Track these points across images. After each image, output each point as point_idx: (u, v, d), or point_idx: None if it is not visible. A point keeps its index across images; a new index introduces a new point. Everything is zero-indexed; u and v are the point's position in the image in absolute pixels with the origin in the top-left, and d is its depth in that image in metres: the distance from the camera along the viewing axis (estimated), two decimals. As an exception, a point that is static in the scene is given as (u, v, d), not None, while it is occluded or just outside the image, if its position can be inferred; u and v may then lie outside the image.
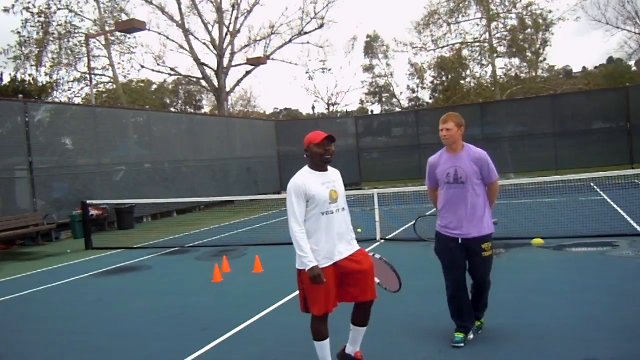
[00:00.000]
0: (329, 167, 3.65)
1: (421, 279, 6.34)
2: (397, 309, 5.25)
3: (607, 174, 10.34)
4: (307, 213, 3.47)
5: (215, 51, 26.71)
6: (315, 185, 3.46)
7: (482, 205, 4.05)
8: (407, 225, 10.61)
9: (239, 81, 29.08)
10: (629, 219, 9.64)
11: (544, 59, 31.31)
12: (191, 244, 10.83)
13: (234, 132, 22.31)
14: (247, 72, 28.34)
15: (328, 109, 42.51)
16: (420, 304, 5.34)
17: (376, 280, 3.73)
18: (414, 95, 41.64)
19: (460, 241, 4.04)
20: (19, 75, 24.18)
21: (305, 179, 3.48)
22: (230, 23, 26.97)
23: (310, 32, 28.84)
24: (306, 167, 3.59)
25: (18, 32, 24.01)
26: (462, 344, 4.01)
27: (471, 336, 4.13)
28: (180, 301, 6.23)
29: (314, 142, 3.51)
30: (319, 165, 3.55)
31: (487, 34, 28.46)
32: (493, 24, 28.13)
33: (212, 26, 26.84)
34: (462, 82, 34.43)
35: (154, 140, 18.23)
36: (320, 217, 3.45)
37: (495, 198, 4.21)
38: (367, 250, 3.81)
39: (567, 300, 5.13)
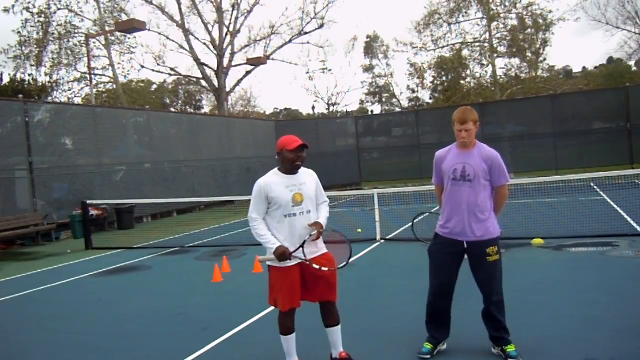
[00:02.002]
0: (302, 169, 3.74)
1: (421, 278, 6.31)
2: (396, 309, 5.25)
3: (607, 174, 10.33)
4: (271, 213, 3.63)
5: (215, 51, 26.72)
6: (279, 188, 3.59)
7: (488, 209, 3.78)
8: (407, 225, 10.61)
9: (239, 81, 29.13)
10: (629, 219, 9.64)
11: (544, 59, 31.37)
12: (191, 244, 10.83)
13: (234, 132, 22.31)
14: (247, 72, 28.37)
15: (328, 109, 42.56)
16: (420, 304, 5.32)
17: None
18: (414, 95, 41.69)
19: (465, 245, 3.77)
20: (18, 75, 24.22)
21: (269, 180, 3.64)
22: (230, 23, 27.01)
23: (310, 32, 28.91)
24: (275, 169, 3.73)
25: (18, 32, 24.05)
26: (428, 356, 3.85)
27: (444, 346, 3.98)
28: (180, 301, 6.23)
29: (287, 148, 3.59)
30: (289, 169, 3.65)
31: (487, 34, 28.45)
32: (493, 24, 28.13)
33: (212, 26, 26.87)
34: (462, 82, 34.42)
35: (154, 140, 18.24)
36: (283, 218, 3.59)
37: (504, 204, 3.91)
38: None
39: (567, 300, 5.13)
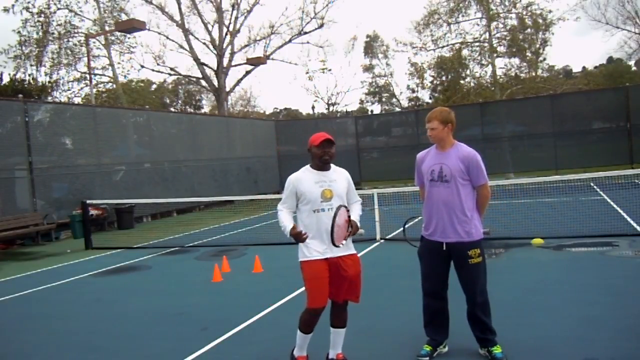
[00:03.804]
0: (335, 167, 3.80)
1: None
2: (396, 309, 5.26)
3: (607, 174, 10.33)
4: (302, 208, 3.70)
5: (215, 51, 26.70)
6: (308, 183, 3.65)
7: (470, 209, 3.75)
8: (407, 225, 10.61)
9: (239, 81, 29.10)
10: (629, 219, 9.64)
11: (544, 59, 31.27)
12: (191, 244, 10.83)
13: (234, 132, 22.32)
14: (247, 72, 28.35)
15: (328, 109, 42.54)
16: (420, 303, 5.33)
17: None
18: (414, 95, 41.64)
19: (444, 247, 3.77)
20: (19, 75, 24.20)
21: (300, 176, 3.72)
22: (230, 23, 26.99)
23: (310, 32, 28.85)
24: (307, 166, 3.79)
25: (18, 32, 24.04)
26: (426, 358, 3.83)
27: (445, 349, 3.96)
28: (180, 301, 6.23)
29: (314, 145, 3.67)
30: (319, 165, 3.70)
31: (487, 34, 28.43)
32: (493, 24, 28.10)
33: (212, 26, 26.85)
34: (462, 82, 34.39)
35: (154, 140, 18.24)
36: (312, 214, 3.64)
37: (486, 205, 3.87)
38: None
39: (567, 300, 5.13)
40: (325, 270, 3.59)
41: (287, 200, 3.71)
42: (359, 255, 3.84)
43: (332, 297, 3.70)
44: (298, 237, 3.56)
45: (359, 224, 3.70)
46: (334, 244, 3.49)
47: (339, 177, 3.75)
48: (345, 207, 3.63)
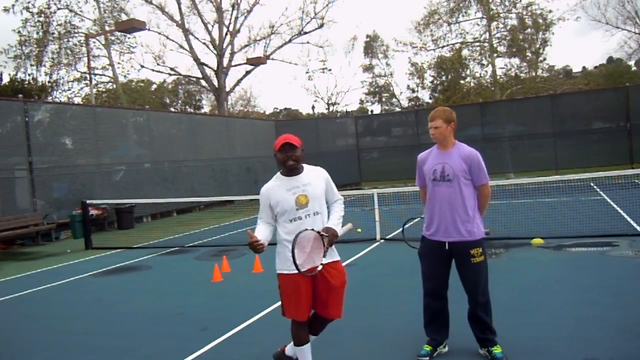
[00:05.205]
0: (309, 168, 3.53)
1: (421, 278, 6.32)
2: (396, 309, 5.26)
3: (607, 174, 10.33)
4: (279, 220, 3.45)
5: (215, 51, 26.71)
6: (280, 192, 3.39)
7: (472, 208, 3.75)
8: (407, 226, 10.60)
9: (239, 81, 29.11)
10: (629, 219, 9.63)
11: (544, 59, 31.30)
12: (191, 244, 10.83)
13: (234, 132, 22.32)
14: (247, 72, 28.36)
15: (328, 109, 42.56)
16: (420, 303, 5.33)
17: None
18: (414, 95, 41.70)
19: (447, 246, 3.76)
20: (19, 75, 24.21)
21: (270, 186, 3.46)
22: (230, 23, 26.99)
23: (310, 32, 28.86)
24: (277, 173, 3.53)
25: (18, 32, 24.05)
26: (426, 358, 3.82)
27: (445, 349, 3.96)
28: (180, 301, 6.23)
29: (275, 149, 3.41)
30: (286, 171, 3.45)
31: (487, 34, 28.43)
32: (493, 24, 28.10)
33: (212, 26, 26.86)
34: (462, 82, 34.40)
35: (154, 140, 18.24)
36: (290, 224, 3.38)
37: (487, 203, 3.87)
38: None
39: (567, 300, 5.13)
40: (304, 284, 3.34)
41: (262, 214, 3.46)
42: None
43: (316, 308, 3.48)
44: (252, 247, 3.25)
45: (339, 227, 3.42)
46: (298, 270, 3.15)
47: (313, 179, 3.45)
48: (312, 229, 3.28)
